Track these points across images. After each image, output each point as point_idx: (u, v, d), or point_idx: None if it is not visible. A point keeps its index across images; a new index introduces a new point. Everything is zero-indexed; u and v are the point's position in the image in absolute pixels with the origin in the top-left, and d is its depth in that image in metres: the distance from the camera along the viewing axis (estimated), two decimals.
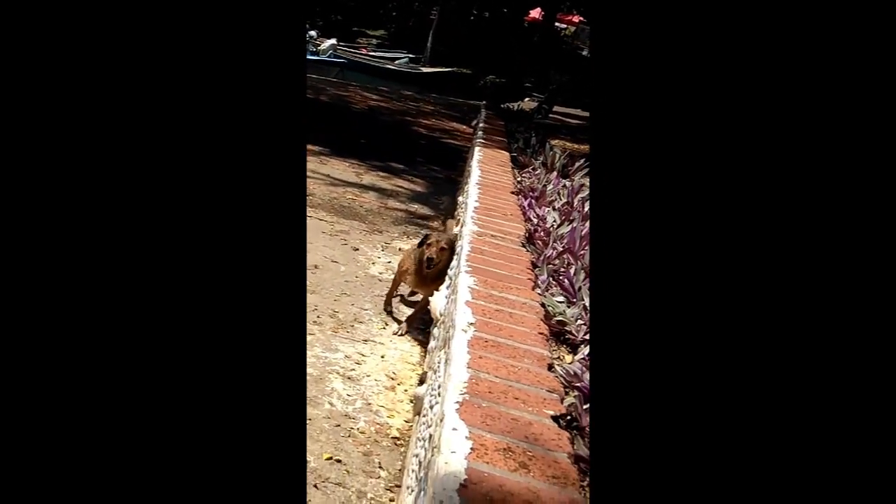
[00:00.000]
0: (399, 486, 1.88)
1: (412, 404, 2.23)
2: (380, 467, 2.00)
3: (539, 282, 1.92)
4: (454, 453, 0.98)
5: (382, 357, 2.71)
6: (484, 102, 8.09)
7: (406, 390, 2.48)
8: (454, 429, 1.05)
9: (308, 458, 1.95)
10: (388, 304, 3.12)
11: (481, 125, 5.48)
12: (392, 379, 2.57)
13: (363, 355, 2.67)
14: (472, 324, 1.49)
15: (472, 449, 1.00)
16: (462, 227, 2.61)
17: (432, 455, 1.07)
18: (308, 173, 5.06)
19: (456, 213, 3.79)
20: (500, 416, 1.11)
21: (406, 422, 2.26)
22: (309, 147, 5.90)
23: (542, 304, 1.73)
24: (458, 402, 1.13)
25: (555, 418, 1.16)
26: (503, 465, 0.97)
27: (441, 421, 1.12)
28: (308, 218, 4.13)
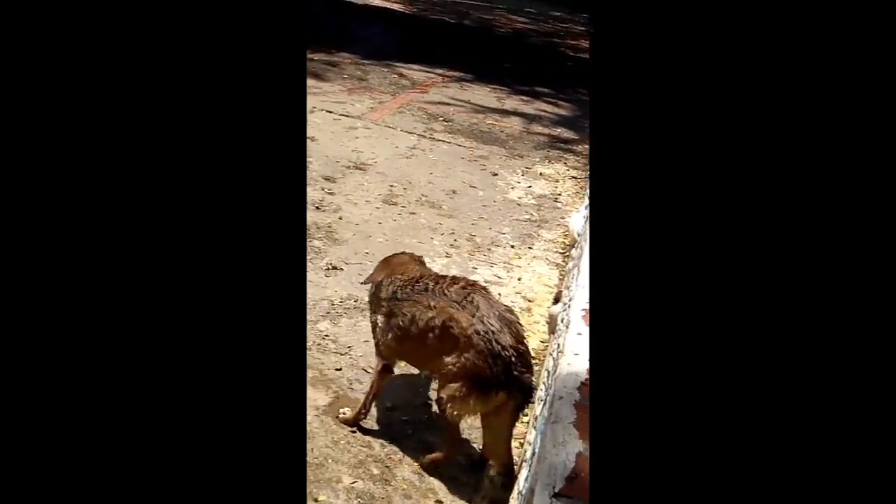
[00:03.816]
0: (532, 402, 1.88)
1: (547, 325, 2.20)
2: None
3: None
4: (577, 355, 0.94)
5: (519, 279, 2.68)
6: None
7: (542, 313, 2.45)
8: (579, 333, 1.01)
9: None
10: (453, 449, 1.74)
11: None
12: (529, 301, 2.54)
13: (499, 277, 2.67)
14: None
15: None
16: None
17: (558, 359, 1.04)
18: (447, 100, 5.04)
19: None
20: None
21: (542, 342, 2.24)
22: (450, 73, 5.86)
23: None
24: (584, 309, 1.08)
25: None
26: None
27: (567, 328, 1.08)
28: (447, 144, 4.13)
